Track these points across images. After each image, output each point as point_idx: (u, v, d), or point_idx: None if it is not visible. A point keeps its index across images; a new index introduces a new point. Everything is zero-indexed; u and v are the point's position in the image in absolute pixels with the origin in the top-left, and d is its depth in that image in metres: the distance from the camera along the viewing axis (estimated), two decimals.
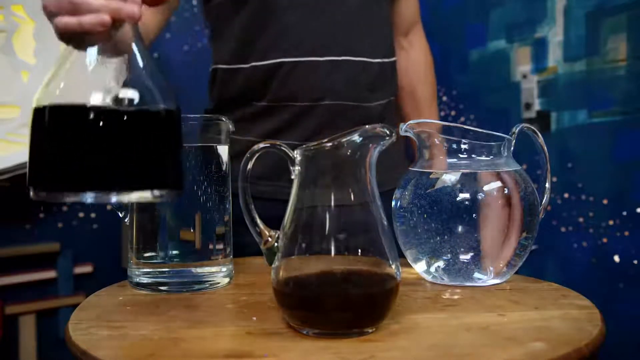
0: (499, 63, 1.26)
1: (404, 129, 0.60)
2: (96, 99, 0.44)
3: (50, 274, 1.55)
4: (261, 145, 0.51)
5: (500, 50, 1.26)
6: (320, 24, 0.79)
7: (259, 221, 0.53)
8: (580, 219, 1.14)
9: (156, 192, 0.46)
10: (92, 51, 0.46)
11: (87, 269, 1.60)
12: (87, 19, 0.45)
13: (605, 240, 1.11)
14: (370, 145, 0.45)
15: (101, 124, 0.43)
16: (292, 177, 0.48)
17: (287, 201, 0.47)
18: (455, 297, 0.55)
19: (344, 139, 0.45)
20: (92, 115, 0.43)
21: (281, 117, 0.80)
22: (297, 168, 0.47)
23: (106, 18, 0.45)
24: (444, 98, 1.35)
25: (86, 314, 0.51)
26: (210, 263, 0.59)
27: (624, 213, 1.08)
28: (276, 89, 0.79)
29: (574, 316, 0.49)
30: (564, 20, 1.16)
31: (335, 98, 0.79)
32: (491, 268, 0.58)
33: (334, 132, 0.47)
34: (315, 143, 0.46)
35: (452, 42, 1.33)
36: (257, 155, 0.52)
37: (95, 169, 0.43)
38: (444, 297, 0.55)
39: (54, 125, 0.44)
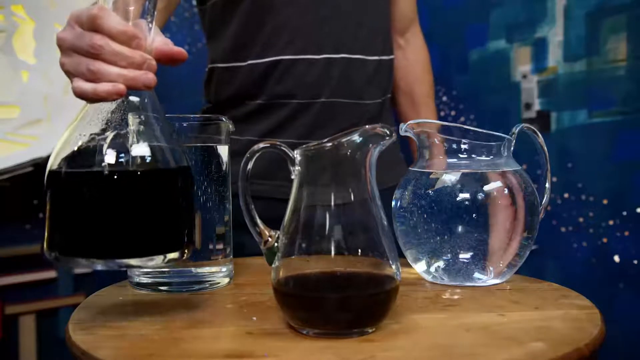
0: (499, 63, 1.26)
1: (404, 129, 0.60)
2: (111, 161, 0.44)
3: (50, 274, 1.55)
4: (261, 145, 0.51)
5: (500, 51, 1.26)
6: (316, 20, 0.79)
7: (258, 221, 0.53)
8: (580, 219, 1.14)
9: (171, 255, 0.46)
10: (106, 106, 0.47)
11: (87, 268, 1.59)
12: (103, 88, 0.45)
13: (605, 240, 1.11)
14: (370, 145, 0.45)
15: (116, 192, 0.44)
16: (292, 177, 0.48)
17: (283, 200, 0.48)
18: (455, 297, 0.55)
19: (344, 139, 0.45)
20: (106, 183, 0.43)
21: (278, 115, 0.80)
22: (297, 168, 0.47)
23: (122, 87, 0.45)
24: (444, 98, 1.35)
25: (86, 314, 0.51)
26: (210, 263, 0.59)
27: (624, 213, 1.08)
28: (273, 86, 0.80)
29: (574, 316, 0.49)
30: (564, 20, 1.16)
31: (331, 95, 0.79)
32: (491, 268, 0.58)
33: (331, 130, 0.48)
34: (315, 143, 0.46)
35: (452, 43, 1.33)
36: (257, 155, 0.51)
37: (113, 236, 0.44)
38: (444, 297, 0.55)
39: (69, 191, 0.44)
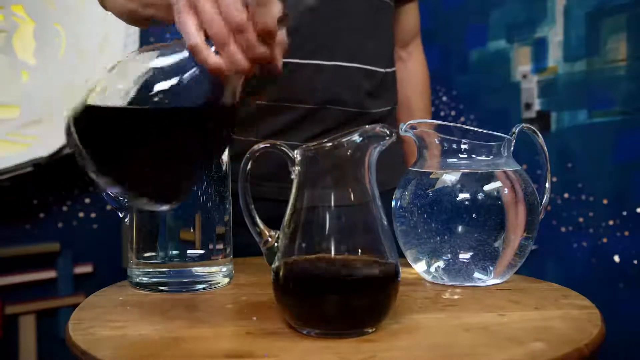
0: (499, 63, 1.26)
1: (404, 128, 0.60)
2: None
3: (50, 274, 1.55)
4: (261, 145, 0.51)
5: (500, 50, 1.26)
6: (325, 27, 0.79)
7: (259, 221, 0.53)
8: (580, 219, 1.14)
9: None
10: None
11: (87, 269, 1.60)
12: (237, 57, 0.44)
13: (605, 240, 1.11)
14: (370, 145, 0.45)
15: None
16: (292, 177, 0.48)
17: (288, 201, 0.47)
18: (455, 297, 0.55)
19: (344, 139, 0.45)
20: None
21: (283, 118, 0.80)
22: (297, 168, 0.47)
23: (248, 66, 0.45)
24: (444, 98, 1.35)
25: (86, 314, 0.51)
26: (210, 263, 0.59)
27: (624, 213, 1.08)
28: (278, 88, 0.79)
29: (574, 316, 0.49)
30: (564, 20, 1.16)
31: (338, 104, 0.79)
32: (491, 268, 0.58)
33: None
34: (315, 143, 0.46)
35: (452, 43, 1.33)
36: (257, 155, 0.51)
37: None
38: (444, 297, 0.55)
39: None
